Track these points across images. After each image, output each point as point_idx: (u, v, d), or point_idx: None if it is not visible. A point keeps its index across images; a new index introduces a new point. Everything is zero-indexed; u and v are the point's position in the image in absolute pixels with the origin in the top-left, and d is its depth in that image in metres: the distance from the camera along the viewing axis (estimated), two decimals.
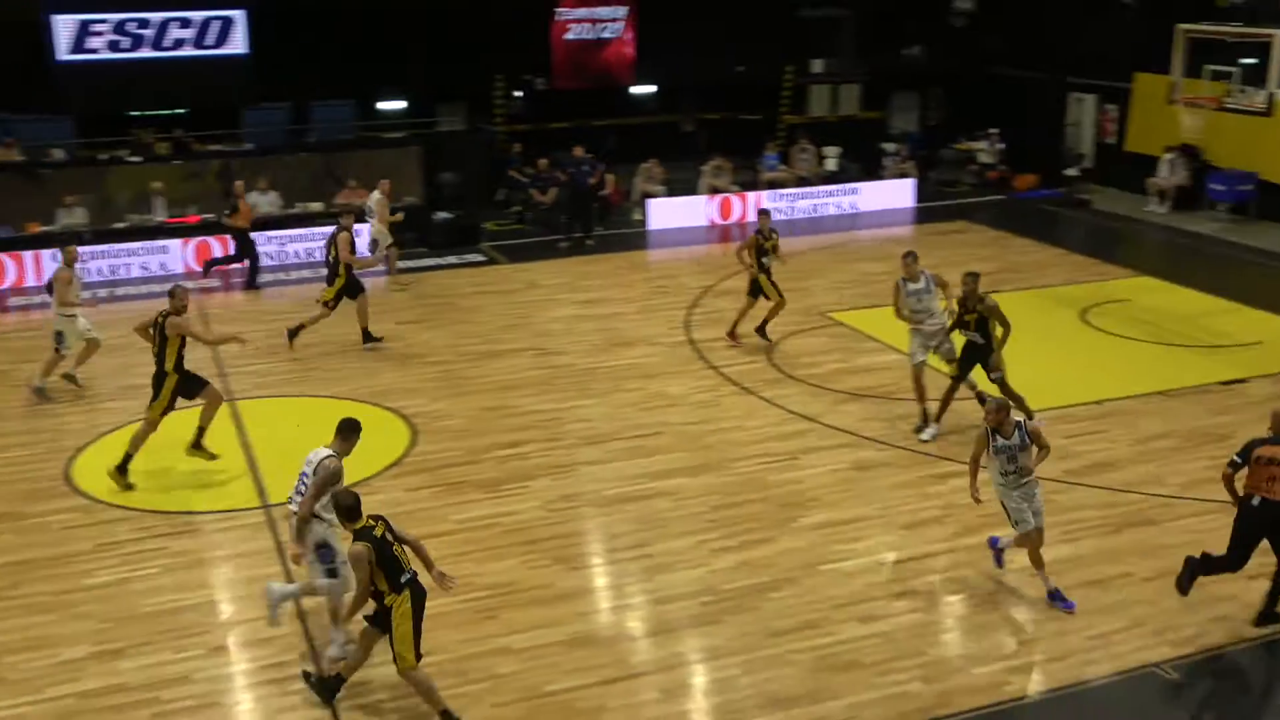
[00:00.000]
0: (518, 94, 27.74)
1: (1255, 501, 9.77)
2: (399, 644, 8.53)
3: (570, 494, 12.49)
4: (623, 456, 13.34)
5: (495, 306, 19.22)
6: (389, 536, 8.58)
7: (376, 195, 20.00)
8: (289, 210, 22.91)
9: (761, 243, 16.82)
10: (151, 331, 12.72)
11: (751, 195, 25.52)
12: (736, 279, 20.57)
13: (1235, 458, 9.96)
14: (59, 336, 15.28)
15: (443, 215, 23.38)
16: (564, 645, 9.60)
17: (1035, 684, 9.25)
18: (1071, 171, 27.74)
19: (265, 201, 22.62)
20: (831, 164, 28.13)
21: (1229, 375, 15.45)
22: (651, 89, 28.74)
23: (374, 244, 20.02)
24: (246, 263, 20.87)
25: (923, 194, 27.01)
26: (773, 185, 26.38)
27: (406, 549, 8.70)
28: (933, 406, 13.85)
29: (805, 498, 12.27)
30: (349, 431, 9.54)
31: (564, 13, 26.30)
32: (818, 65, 29.85)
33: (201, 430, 12.97)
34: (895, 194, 26.47)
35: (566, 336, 17.77)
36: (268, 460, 13.29)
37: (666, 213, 24.61)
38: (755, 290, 16.95)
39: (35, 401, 15.29)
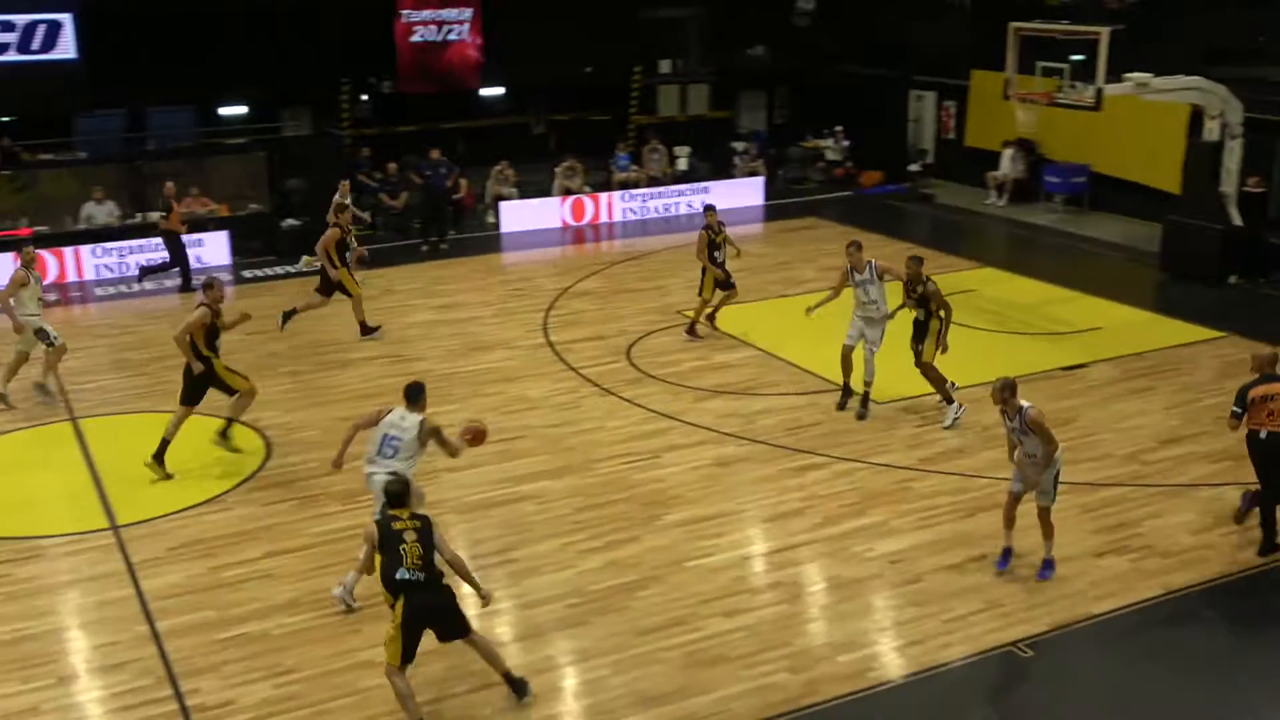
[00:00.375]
0: (364, 98, 27.35)
1: (1263, 435, 10.90)
2: (385, 643, 8.66)
3: (432, 501, 12.28)
4: (485, 461, 13.23)
5: (349, 314, 18.86)
6: (409, 536, 8.61)
7: (336, 197, 19.59)
8: (128, 221, 22.17)
9: (712, 238, 17.05)
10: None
11: (604, 196, 25.63)
12: (593, 280, 20.68)
13: (1235, 408, 11.06)
14: (43, 333, 15.16)
15: (291, 222, 22.91)
16: (431, 655, 9.49)
17: (897, 668, 9.49)
18: (914, 167, 28.54)
19: (103, 212, 21.87)
20: (682, 163, 28.41)
21: (1071, 361, 16.08)
22: (500, 91, 28.62)
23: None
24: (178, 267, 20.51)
25: (772, 192, 27.47)
26: (625, 186, 26.53)
27: (416, 555, 8.60)
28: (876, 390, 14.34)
29: (668, 496, 12.38)
30: (418, 393, 10.51)
31: (409, 14, 26.01)
32: (665, 66, 30.11)
33: (231, 422, 13.37)
34: (746, 192, 26.86)
35: (424, 342, 17.59)
36: (115, 480, 12.86)
37: (520, 215, 24.56)
38: (725, 284, 17.20)
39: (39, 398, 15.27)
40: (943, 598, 10.36)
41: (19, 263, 15.27)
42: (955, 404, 14.16)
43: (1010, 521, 10.76)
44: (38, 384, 15.36)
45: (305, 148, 25.33)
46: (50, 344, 15.25)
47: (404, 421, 10.35)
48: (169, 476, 12.91)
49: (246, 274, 20.94)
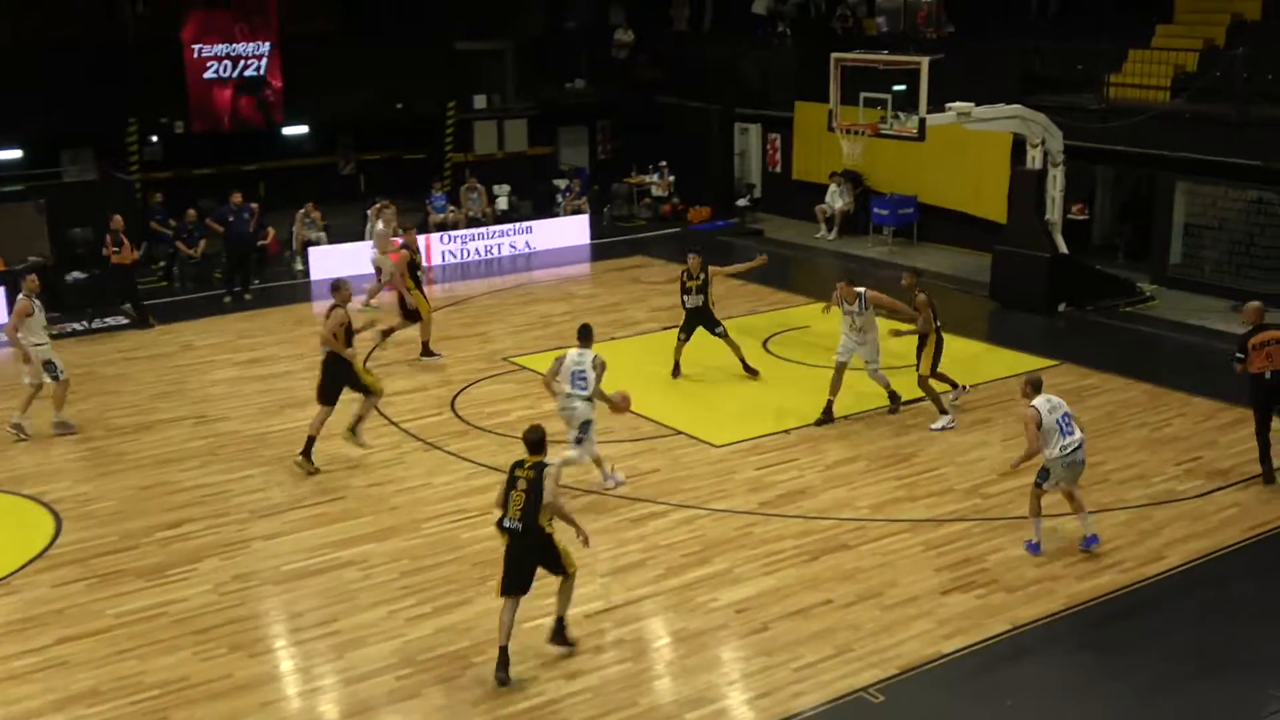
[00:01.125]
0: (154, 139, 26.63)
1: (1268, 376, 13.19)
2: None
3: (244, 573, 12.02)
4: (302, 527, 12.96)
5: (145, 374, 18.31)
6: (521, 483, 10.05)
7: (379, 225, 19.47)
8: None
9: (686, 282, 17.16)
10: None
11: (420, 239, 25.38)
12: (411, 329, 20.41)
13: (1238, 354, 13.40)
14: (50, 366, 15.75)
15: (76, 275, 22.08)
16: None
17: None
18: (742, 202, 29.16)
19: None
20: (502, 203, 28.48)
21: (907, 396, 16.51)
22: (304, 129, 28.23)
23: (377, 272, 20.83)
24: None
25: (598, 230, 27.70)
26: (443, 227, 26.40)
27: (519, 505, 9.99)
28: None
29: (501, 554, 12.22)
30: (588, 332, 13.55)
31: (200, 49, 25.42)
32: (481, 101, 30.17)
33: (359, 419, 14.75)
34: (570, 231, 27.01)
35: (230, 401, 17.13)
36: None
37: (330, 261, 24.11)
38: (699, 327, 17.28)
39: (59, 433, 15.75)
40: (791, 645, 10.50)
41: (23, 291, 15.73)
42: (948, 416, 15.45)
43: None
44: (56, 423, 15.86)
45: (90, 194, 24.53)
46: (55, 378, 15.74)
47: (582, 358, 13.36)
48: (316, 471, 14.37)
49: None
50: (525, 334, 19.99)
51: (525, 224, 26.81)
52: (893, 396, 16.04)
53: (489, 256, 25.83)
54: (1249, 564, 11.89)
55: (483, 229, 26.31)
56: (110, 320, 21.17)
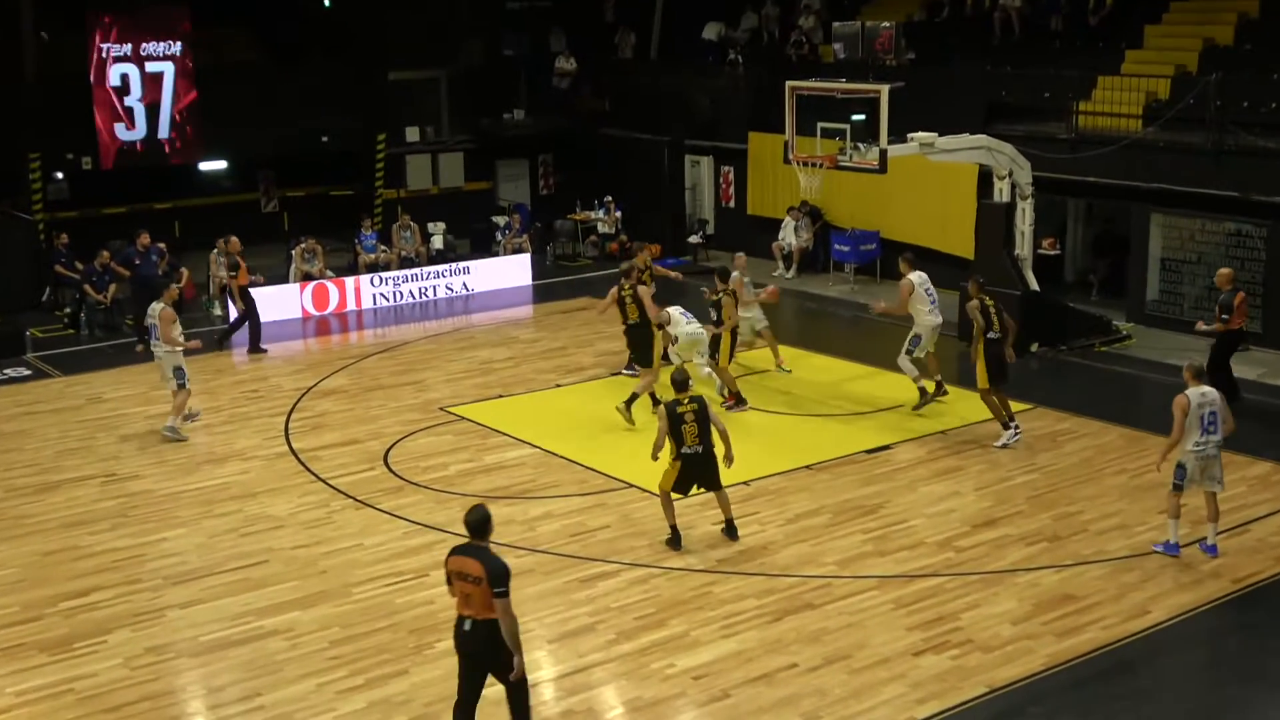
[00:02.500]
0: (59, 176, 26.41)
1: (1243, 328, 17.89)
2: (660, 479, 13.44)
3: (159, 645, 11.84)
4: (222, 593, 12.78)
5: (49, 429, 18.06)
6: (689, 416, 13.09)
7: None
8: None
9: (714, 298, 18.26)
10: (628, 300, 17.82)
11: (349, 280, 25.32)
12: (340, 376, 20.35)
13: (1223, 315, 17.31)
14: (179, 372, 17.36)
15: None
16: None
17: None
18: (695, 238, 29.29)
19: None
20: (437, 241, 28.42)
21: (874, 443, 16.63)
22: (222, 164, 28.10)
23: None
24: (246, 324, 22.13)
25: (541, 270, 27.71)
26: (374, 268, 26.30)
27: (694, 433, 13.13)
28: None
29: (440, 620, 12.11)
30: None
31: (109, 60, 25.24)
32: (413, 134, 30.19)
33: (635, 396, 17.30)
34: (511, 271, 27.00)
35: (142, 458, 16.92)
36: None
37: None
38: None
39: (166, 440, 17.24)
40: (754, 713, 10.44)
41: (164, 300, 17.55)
42: (1012, 429, 16.44)
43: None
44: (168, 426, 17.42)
45: None
46: (182, 385, 17.39)
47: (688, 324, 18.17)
48: (632, 424, 17.03)
49: None
50: (463, 382, 19.90)
51: (462, 264, 26.76)
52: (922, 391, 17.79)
53: (423, 299, 25.74)
54: (1238, 619, 11.98)
55: (416, 269, 26.22)
56: (10, 371, 20.89)
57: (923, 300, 17.63)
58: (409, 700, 10.77)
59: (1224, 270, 18.00)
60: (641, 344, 18.03)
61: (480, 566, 9.09)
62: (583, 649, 11.54)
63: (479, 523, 9.30)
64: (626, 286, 17.90)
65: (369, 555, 13.68)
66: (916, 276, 17.73)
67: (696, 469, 13.28)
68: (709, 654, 11.40)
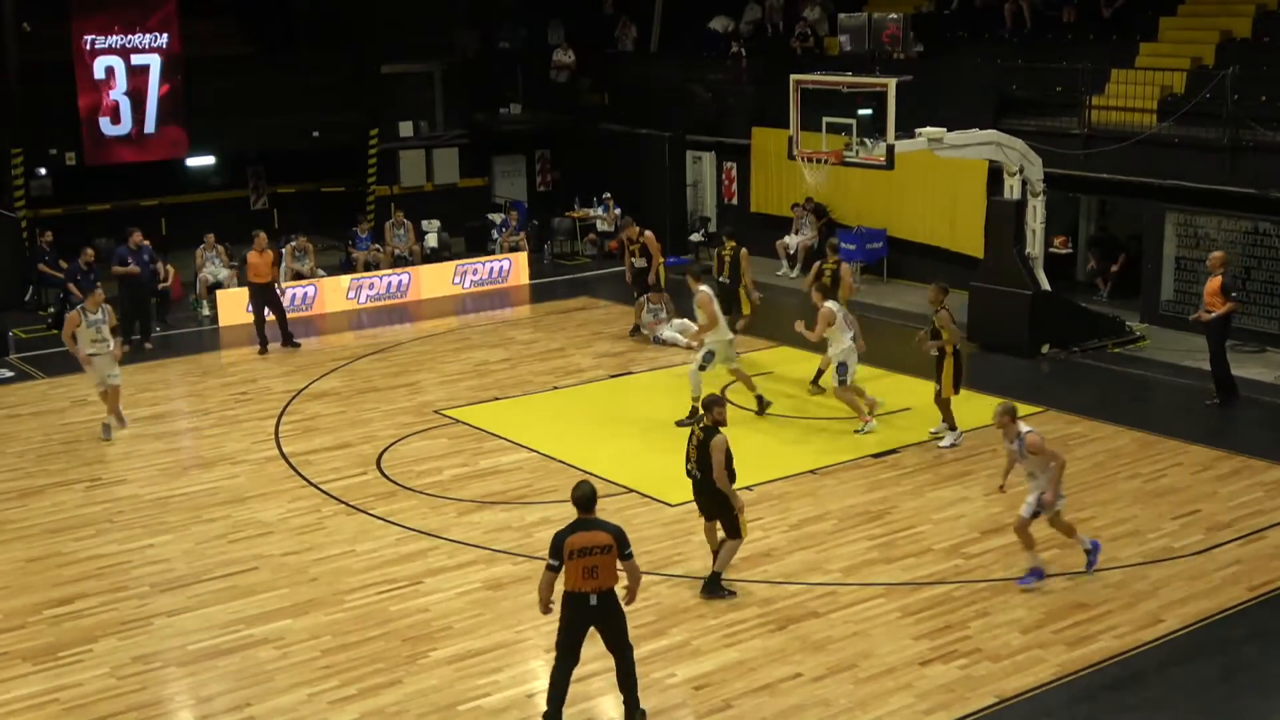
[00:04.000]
0: (42, 171, 26.46)
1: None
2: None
3: (145, 654, 11.88)
4: (210, 601, 12.83)
5: (31, 432, 18.11)
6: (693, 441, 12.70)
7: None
8: None
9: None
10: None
11: (343, 279, 25.37)
12: (332, 378, 20.39)
13: (1233, 294, 17.79)
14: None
15: None
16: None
17: None
18: (697, 236, 29.34)
19: None
20: (432, 239, 28.47)
21: (880, 447, 16.67)
22: (210, 160, 28.15)
23: None
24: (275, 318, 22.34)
25: (538, 269, 27.75)
26: (367, 267, 26.34)
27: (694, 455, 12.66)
28: None
29: (434, 628, 12.20)
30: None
31: (94, 52, 25.27)
32: (406, 129, 30.22)
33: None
34: (508, 270, 27.01)
35: (128, 461, 16.98)
36: None
37: (239, 305, 23.94)
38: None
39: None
40: None
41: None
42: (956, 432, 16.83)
43: (1029, 543, 12.72)
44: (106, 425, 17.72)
45: None
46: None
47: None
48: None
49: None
50: (458, 384, 19.95)
51: (457, 263, 26.80)
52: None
53: (417, 299, 25.77)
54: (1254, 626, 12.00)
55: (410, 268, 26.26)
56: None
57: (844, 329, 17.23)
58: (402, 711, 10.81)
59: (1217, 254, 18.35)
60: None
61: (608, 535, 9.97)
62: (582, 658, 11.55)
63: (588, 497, 10.14)
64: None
65: (361, 562, 13.72)
66: (834, 305, 17.38)
67: (696, 494, 12.88)
68: (710, 663, 11.45)
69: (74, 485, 16.13)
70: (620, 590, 10.25)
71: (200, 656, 11.81)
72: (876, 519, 14.52)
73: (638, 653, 11.36)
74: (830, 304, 17.32)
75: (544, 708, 10.30)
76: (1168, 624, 11.99)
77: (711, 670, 11.33)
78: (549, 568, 10.08)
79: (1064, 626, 11.96)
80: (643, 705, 10.66)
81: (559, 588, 10.19)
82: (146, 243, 23.04)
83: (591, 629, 10.22)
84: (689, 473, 12.66)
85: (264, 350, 21.91)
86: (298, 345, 22.23)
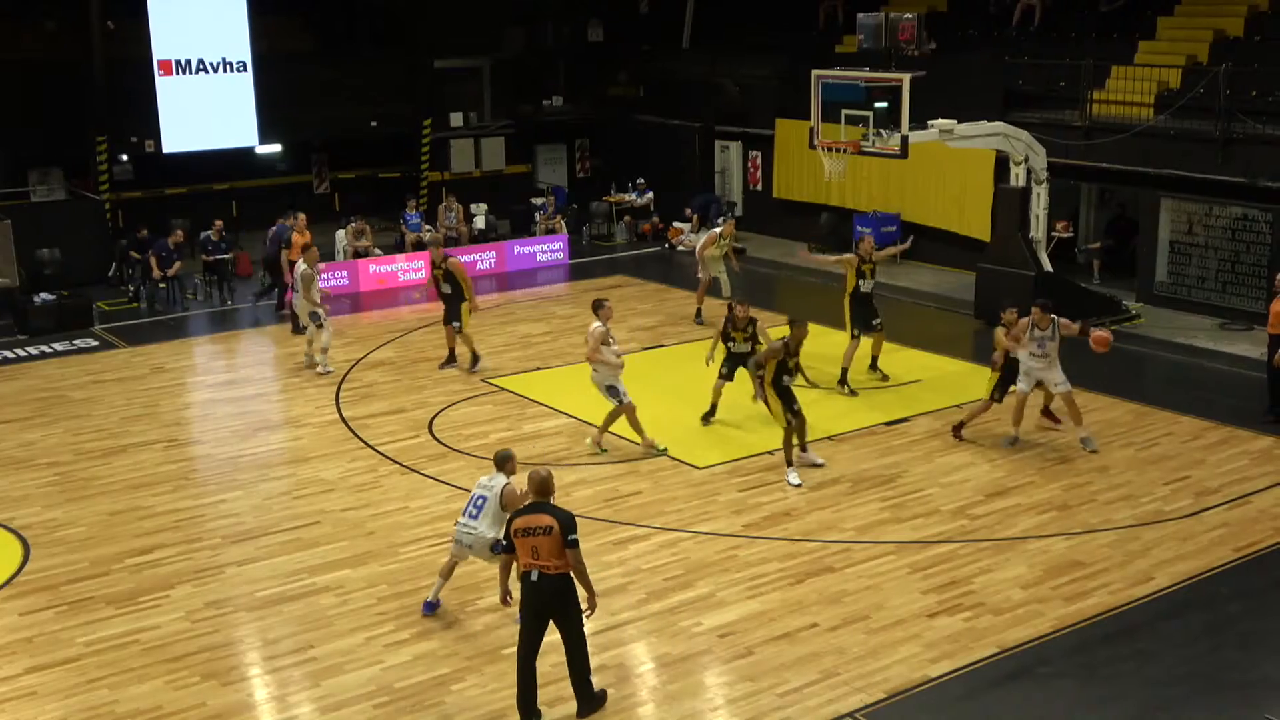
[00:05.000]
0: (124, 158, 26.58)
1: None
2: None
3: (218, 599, 11.96)
4: (277, 552, 12.91)
5: (115, 397, 18.23)
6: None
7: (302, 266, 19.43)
8: None
9: (730, 331, 16.39)
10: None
11: (401, 258, 25.39)
12: (388, 349, 20.44)
13: None
14: (314, 315, 18.84)
15: (45, 297, 21.99)
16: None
17: None
18: (722, 220, 29.16)
19: None
20: (479, 222, 28.46)
21: (892, 416, 16.61)
22: (278, 148, 28.21)
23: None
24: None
25: (577, 250, 27.72)
26: (419, 246, 26.33)
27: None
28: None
29: (480, 579, 12.22)
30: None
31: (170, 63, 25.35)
32: (457, 119, 30.23)
33: (875, 358, 17.67)
34: (548, 251, 26.99)
35: (202, 424, 17.08)
36: None
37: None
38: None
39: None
40: (776, 670, 10.50)
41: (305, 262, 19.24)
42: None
43: (1019, 418, 14.63)
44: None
45: (58, 215, 24.50)
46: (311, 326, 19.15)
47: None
48: (853, 393, 17.34)
49: None
50: (504, 355, 19.96)
51: (503, 243, 26.80)
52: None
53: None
54: (1239, 584, 11.93)
55: (459, 248, 26.23)
56: (79, 342, 21.06)
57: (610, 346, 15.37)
58: (452, 654, 10.87)
59: None
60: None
61: (550, 518, 9.48)
62: (614, 608, 11.59)
63: (544, 482, 9.75)
64: None
65: (414, 518, 13.77)
66: (599, 325, 15.36)
67: None
68: (734, 613, 11.46)
69: (153, 445, 16.22)
70: (582, 598, 9.73)
71: (267, 602, 11.89)
72: (888, 482, 14.47)
73: (666, 603, 11.42)
74: (595, 324, 15.55)
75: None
76: (1158, 582, 11.93)
77: (735, 620, 11.34)
78: (502, 548, 9.90)
79: (1062, 583, 11.91)
80: (671, 650, 10.68)
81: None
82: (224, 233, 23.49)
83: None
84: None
85: (297, 330, 20.87)
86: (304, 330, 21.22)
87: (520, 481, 10.61)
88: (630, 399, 15.26)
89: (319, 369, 19.02)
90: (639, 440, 15.43)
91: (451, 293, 18.89)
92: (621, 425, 15.46)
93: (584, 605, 9.77)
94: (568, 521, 9.55)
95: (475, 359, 19.07)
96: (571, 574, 9.60)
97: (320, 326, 19.09)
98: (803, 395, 17.39)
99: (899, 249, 20.13)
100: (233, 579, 12.37)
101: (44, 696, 10.32)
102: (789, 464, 14.50)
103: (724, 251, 21.51)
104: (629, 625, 11.31)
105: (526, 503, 9.88)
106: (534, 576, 9.53)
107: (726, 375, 16.46)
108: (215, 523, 13.75)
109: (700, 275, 21.60)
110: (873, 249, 18.02)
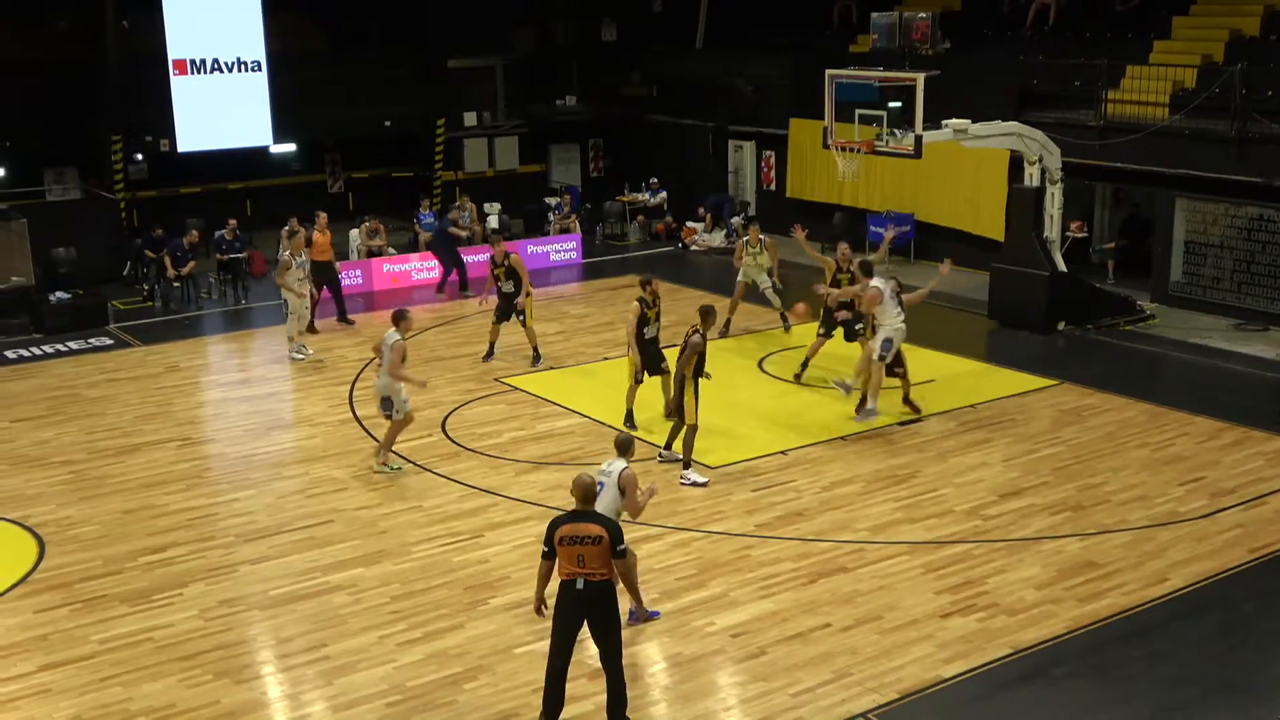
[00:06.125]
0: (138, 157, 26.65)
1: None
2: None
3: (231, 598, 11.98)
4: (290, 551, 12.93)
5: (129, 395, 18.27)
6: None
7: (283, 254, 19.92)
8: None
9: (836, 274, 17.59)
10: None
11: (415, 257, 25.41)
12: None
13: None
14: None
15: (60, 296, 22.06)
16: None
17: None
18: (737, 220, 29.15)
19: None
20: (493, 221, 28.46)
21: (906, 416, 16.56)
22: (292, 147, 28.26)
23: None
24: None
25: (590, 249, 27.71)
26: (430, 246, 26.29)
27: None
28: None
29: (493, 578, 12.25)
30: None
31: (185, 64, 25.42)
32: (470, 118, 30.26)
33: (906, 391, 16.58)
34: (561, 250, 26.99)
35: (216, 422, 17.11)
36: None
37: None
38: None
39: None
40: (788, 670, 10.48)
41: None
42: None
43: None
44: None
45: (73, 213, 24.58)
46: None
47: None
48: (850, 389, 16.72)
49: (10, 354, 20.09)
50: (517, 353, 19.94)
51: (516, 243, 26.76)
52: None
53: (479, 275, 25.72)
54: (1254, 586, 11.88)
55: (472, 248, 26.23)
56: (94, 341, 21.12)
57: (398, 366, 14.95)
58: (464, 652, 10.87)
59: None
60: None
61: (599, 527, 9.37)
62: (624, 605, 11.56)
63: (588, 489, 9.61)
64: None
65: (426, 516, 13.78)
66: (400, 339, 14.90)
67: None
68: (747, 613, 11.44)
69: (167, 444, 16.26)
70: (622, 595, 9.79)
71: (280, 601, 11.90)
72: (902, 482, 14.44)
73: (678, 603, 11.39)
74: (391, 332, 15.26)
75: (590, 652, 10.19)
76: (1173, 583, 11.89)
77: (748, 620, 11.32)
78: (543, 555, 9.50)
79: (1076, 584, 11.87)
80: (684, 650, 10.67)
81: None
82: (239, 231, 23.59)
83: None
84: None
85: (312, 329, 21.06)
86: (351, 323, 22.00)
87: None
88: (409, 411, 14.92)
89: (294, 354, 19.59)
90: (381, 448, 15.06)
91: (513, 290, 18.85)
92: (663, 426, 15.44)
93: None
94: (616, 531, 9.46)
95: (537, 356, 19.18)
96: (613, 582, 9.55)
97: (286, 316, 19.62)
98: (817, 396, 17.39)
99: (886, 240, 20.00)
100: (246, 577, 12.39)
101: (57, 694, 10.35)
102: (687, 465, 14.51)
103: (758, 260, 20.33)
104: (642, 625, 11.29)
105: (571, 509, 9.71)
106: (579, 584, 9.40)
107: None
108: (228, 521, 13.77)
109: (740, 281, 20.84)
110: (849, 258, 17.91)
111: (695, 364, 14.27)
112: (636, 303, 16.06)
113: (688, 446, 14.46)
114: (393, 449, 15.20)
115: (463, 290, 24.14)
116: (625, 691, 9.67)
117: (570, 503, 9.66)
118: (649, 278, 16.32)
